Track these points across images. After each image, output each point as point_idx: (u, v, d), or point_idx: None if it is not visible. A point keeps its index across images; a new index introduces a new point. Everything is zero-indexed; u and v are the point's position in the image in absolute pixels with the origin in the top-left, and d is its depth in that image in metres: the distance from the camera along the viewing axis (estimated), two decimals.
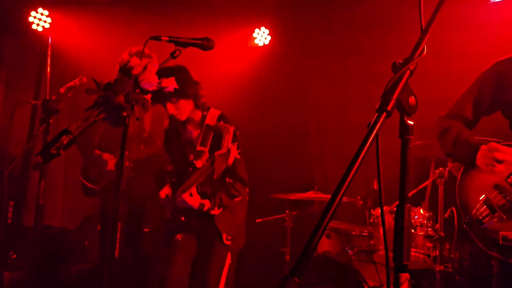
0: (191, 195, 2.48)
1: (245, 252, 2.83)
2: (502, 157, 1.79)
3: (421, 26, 1.18)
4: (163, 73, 2.48)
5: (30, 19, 4.18)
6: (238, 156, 2.56)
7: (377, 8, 4.10)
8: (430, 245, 2.64)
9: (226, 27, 4.68)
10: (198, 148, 2.64)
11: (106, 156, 3.29)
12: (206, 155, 2.57)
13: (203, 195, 2.56)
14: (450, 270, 2.62)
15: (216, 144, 2.50)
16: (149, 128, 3.39)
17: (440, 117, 2.09)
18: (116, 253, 2.70)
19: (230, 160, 2.38)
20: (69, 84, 3.17)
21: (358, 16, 4.32)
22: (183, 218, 2.62)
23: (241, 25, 4.80)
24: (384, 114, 1.03)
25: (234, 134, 2.46)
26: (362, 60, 4.28)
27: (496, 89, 1.93)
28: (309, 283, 2.88)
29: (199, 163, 2.56)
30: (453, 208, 2.61)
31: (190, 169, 2.62)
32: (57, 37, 4.30)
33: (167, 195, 2.66)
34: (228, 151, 2.34)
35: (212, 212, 2.53)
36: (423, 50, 1.14)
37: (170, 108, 2.55)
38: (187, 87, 2.52)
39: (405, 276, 1.06)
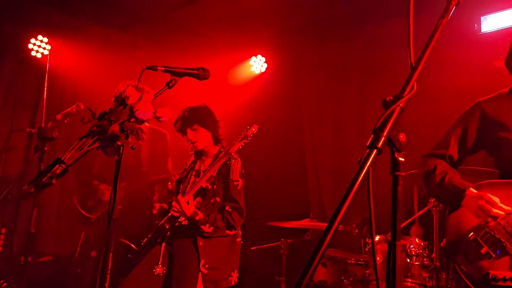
0: (187, 203, 2.52)
1: (240, 280, 2.77)
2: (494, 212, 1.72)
3: (411, 63, 1.20)
4: (192, 110, 2.71)
5: (30, 45, 4.23)
6: (240, 187, 2.66)
7: (371, 40, 4.19)
8: (426, 275, 2.62)
9: (223, 55, 4.75)
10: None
11: (103, 186, 3.30)
12: (212, 179, 2.65)
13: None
14: None
15: (223, 171, 2.65)
16: (146, 162, 3.43)
17: (424, 156, 2.03)
18: (107, 284, 2.65)
19: (235, 175, 2.62)
20: (66, 110, 3.18)
21: (353, 46, 4.40)
22: (167, 226, 2.61)
23: (238, 53, 4.88)
24: (375, 150, 1.04)
25: (242, 166, 2.68)
26: (357, 88, 4.34)
27: (479, 128, 1.92)
28: None
29: (203, 183, 2.65)
30: None
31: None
32: (56, 64, 4.34)
33: (161, 206, 2.71)
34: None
35: (203, 227, 2.52)
36: (413, 87, 1.15)
37: (190, 134, 2.72)
38: (208, 119, 2.76)
39: None
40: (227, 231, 2.62)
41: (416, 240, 2.72)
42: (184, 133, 2.74)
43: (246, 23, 4.44)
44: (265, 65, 4.91)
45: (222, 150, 2.79)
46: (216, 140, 2.81)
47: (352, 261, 3.14)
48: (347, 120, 4.35)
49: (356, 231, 3.07)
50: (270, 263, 3.70)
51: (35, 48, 4.25)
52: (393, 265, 1.06)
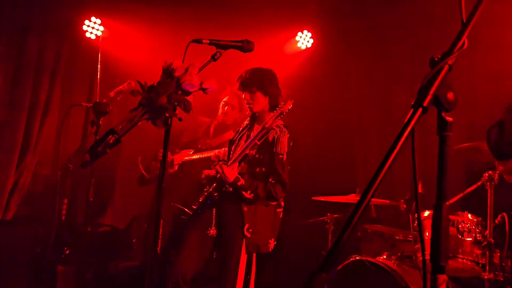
0: (232, 169, 2.62)
1: (286, 254, 2.83)
2: None
3: (462, 19, 1.14)
4: (254, 71, 2.73)
5: (84, 27, 4.43)
6: (285, 160, 2.66)
7: (420, 8, 3.98)
8: (479, 252, 2.51)
9: (269, 30, 4.72)
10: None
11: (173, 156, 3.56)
12: (256, 147, 2.68)
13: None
14: (501, 279, 2.47)
15: (269, 143, 2.66)
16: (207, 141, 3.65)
17: (490, 128, 1.91)
18: (158, 249, 2.82)
19: (280, 148, 2.63)
20: (118, 88, 3.33)
21: (401, 17, 4.21)
22: (215, 194, 2.74)
23: (284, 28, 4.82)
24: (420, 110, 1.00)
25: (289, 140, 2.67)
26: (406, 62, 4.17)
27: None
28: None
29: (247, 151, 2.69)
30: (504, 214, 2.48)
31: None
32: (108, 44, 4.53)
33: (209, 172, 2.80)
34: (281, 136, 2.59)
35: (244, 193, 2.60)
36: (463, 44, 1.09)
37: (247, 95, 2.76)
38: (268, 84, 2.76)
39: (442, 278, 1.03)
40: (269, 202, 2.69)
41: (469, 215, 2.62)
42: (243, 92, 2.79)
43: None
44: (311, 40, 4.82)
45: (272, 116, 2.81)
46: (273, 108, 2.76)
47: (400, 237, 3.08)
48: (396, 94, 4.20)
49: (405, 206, 2.99)
50: (316, 237, 3.72)
51: (89, 29, 4.45)
52: (438, 228, 1.03)
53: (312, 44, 4.82)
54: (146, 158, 3.76)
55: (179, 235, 2.81)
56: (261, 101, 2.76)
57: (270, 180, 2.65)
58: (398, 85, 4.21)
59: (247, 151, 2.66)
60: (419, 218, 1.09)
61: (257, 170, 2.69)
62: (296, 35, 4.84)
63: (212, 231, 2.74)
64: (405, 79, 4.15)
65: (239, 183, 2.60)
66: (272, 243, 2.73)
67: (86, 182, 2.77)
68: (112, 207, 4.66)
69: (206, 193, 2.80)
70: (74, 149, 4.10)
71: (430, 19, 3.90)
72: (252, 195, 2.61)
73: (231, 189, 2.68)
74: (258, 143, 2.66)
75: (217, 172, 2.64)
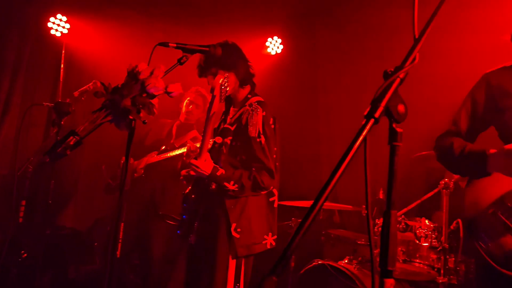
0: (205, 160, 2.26)
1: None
2: None
3: (414, 35, 1.20)
4: (218, 46, 2.16)
5: (49, 24, 4.31)
6: (264, 143, 2.33)
7: (388, 15, 4.11)
8: (435, 256, 2.62)
9: (239, 36, 4.73)
10: (226, 125, 2.47)
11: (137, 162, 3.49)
12: (230, 134, 2.40)
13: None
14: (455, 282, 2.58)
15: (242, 126, 2.36)
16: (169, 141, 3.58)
17: (438, 137, 2.04)
18: (118, 253, 2.76)
19: (254, 131, 2.29)
20: (83, 88, 3.26)
21: (369, 24, 4.33)
22: (193, 196, 2.39)
23: (254, 34, 4.86)
24: (372, 120, 1.05)
25: (265, 118, 2.34)
26: (373, 68, 4.27)
27: (486, 98, 1.93)
28: None
29: (218, 139, 2.41)
30: (459, 220, 2.58)
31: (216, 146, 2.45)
32: (75, 43, 4.43)
33: (188, 171, 2.42)
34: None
35: (226, 184, 2.25)
36: (414, 58, 1.15)
37: (211, 80, 2.39)
38: (228, 58, 2.36)
39: (389, 282, 1.07)
40: (257, 192, 2.34)
41: (426, 221, 2.71)
42: (206, 78, 2.45)
43: (262, 3, 4.41)
44: (281, 47, 4.88)
45: (249, 96, 2.48)
46: (243, 82, 2.46)
47: (362, 242, 3.16)
48: (363, 100, 4.29)
49: (366, 211, 3.07)
50: (280, 242, 3.74)
51: (55, 27, 4.33)
52: (387, 234, 1.08)
53: (281, 50, 4.89)
54: (110, 166, 3.68)
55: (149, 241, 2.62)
56: (229, 80, 2.33)
57: (253, 168, 2.31)
58: (365, 91, 4.30)
59: (208, 137, 2.26)
60: (368, 224, 1.13)
61: (237, 158, 2.37)
62: (266, 41, 4.89)
63: (192, 238, 2.35)
64: (372, 85, 4.26)
65: (218, 173, 2.24)
66: (269, 239, 2.39)
67: (46, 184, 2.69)
68: (74, 209, 4.54)
69: (183, 197, 2.47)
70: (35, 149, 3.96)
71: (397, 27, 4.02)
72: (237, 185, 2.26)
73: (214, 186, 2.33)
74: (232, 128, 2.37)
75: (192, 169, 2.28)
